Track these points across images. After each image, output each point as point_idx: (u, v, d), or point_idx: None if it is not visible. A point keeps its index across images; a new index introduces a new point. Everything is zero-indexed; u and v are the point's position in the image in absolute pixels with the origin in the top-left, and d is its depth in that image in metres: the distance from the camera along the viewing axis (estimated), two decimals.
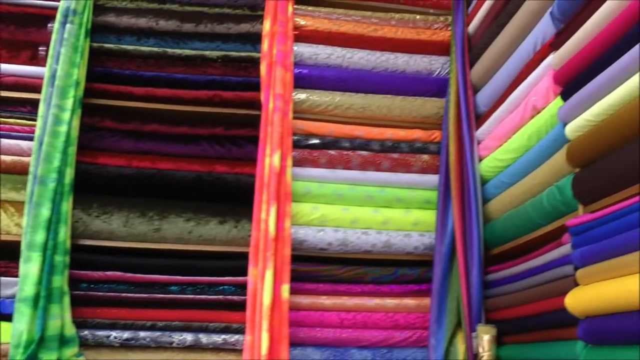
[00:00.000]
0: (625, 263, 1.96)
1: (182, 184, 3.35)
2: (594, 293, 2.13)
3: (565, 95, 2.43)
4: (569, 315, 2.30)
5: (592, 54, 2.27)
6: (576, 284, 2.29)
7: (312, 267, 3.35)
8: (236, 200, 3.39)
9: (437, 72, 3.71)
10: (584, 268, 2.21)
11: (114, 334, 3.13)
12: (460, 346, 3.16)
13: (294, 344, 3.22)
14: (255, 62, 3.49)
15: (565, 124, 2.43)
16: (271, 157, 3.22)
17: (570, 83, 2.41)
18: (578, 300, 2.23)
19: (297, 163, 3.39)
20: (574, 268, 2.30)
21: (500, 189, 3.15)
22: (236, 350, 3.20)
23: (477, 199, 3.23)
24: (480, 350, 3.05)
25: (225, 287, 3.25)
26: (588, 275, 2.18)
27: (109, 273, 3.14)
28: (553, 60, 2.57)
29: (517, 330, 2.93)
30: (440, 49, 3.74)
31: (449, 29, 3.75)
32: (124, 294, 3.16)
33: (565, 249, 2.43)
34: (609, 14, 2.18)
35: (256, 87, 3.44)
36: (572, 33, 2.42)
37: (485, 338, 3.06)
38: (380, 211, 3.46)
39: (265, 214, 3.15)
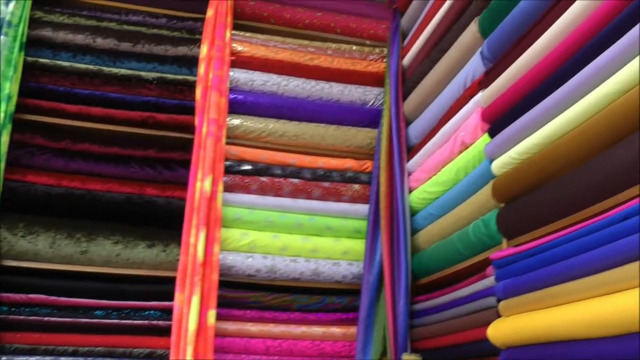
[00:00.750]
0: (546, 296, 2.02)
1: (111, 205, 3.28)
2: (515, 324, 2.18)
3: (492, 133, 2.51)
4: (491, 345, 2.34)
5: (518, 94, 2.35)
6: (499, 315, 2.34)
7: (239, 293, 3.32)
8: (166, 224, 3.35)
9: (371, 103, 3.77)
10: (506, 300, 2.26)
11: None
12: None
13: None
14: (191, 86, 3.48)
15: (491, 160, 2.50)
16: (202, 182, 3.20)
17: (497, 121, 2.49)
18: (500, 331, 2.27)
19: (228, 188, 3.37)
20: (497, 300, 2.36)
21: (429, 220, 3.21)
22: None
23: (405, 230, 3.28)
24: None
25: (151, 312, 3.19)
26: (510, 307, 2.23)
27: (32, 296, 3.04)
28: (481, 98, 2.65)
29: (442, 359, 2.97)
30: (375, 80, 3.82)
31: (384, 60, 3.83)
32: (46, 318, 3.06)
33: (489, 281, 2.49)
34: (535, 57, 2.27)
35: (191, 110, 3.43)
36: (500, 73, 2.50)
37: None
38: (310, 239, 3.47)
39: (195, 239, 3.12)
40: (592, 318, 1.79)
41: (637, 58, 1.73)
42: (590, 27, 1.96)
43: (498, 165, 2.43)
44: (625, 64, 1.78)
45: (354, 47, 3.85)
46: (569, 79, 2.03)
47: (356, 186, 3.59)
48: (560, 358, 1.94)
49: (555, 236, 2.03)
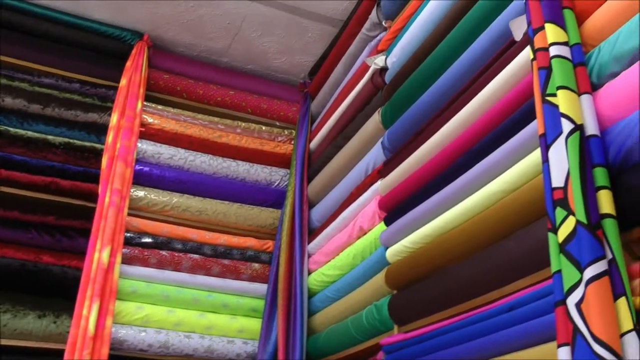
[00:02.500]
0: None
1: (4, 272, 3.15)
2: None
3: (388, 221, 2.61)
4: None
5: (413, 186, 2.47)
6: None
7: None
8: (60, 293, 3.25)
9: (276, 184, 3.84)
10: None
11: None
12: None
13: None
14: (98, 154, 3.47)
15: (386, 248, 2.59)
16: (101, 252, 3.15)
17: (393, 210, 2.60)
18: None
19: (126, 260, 3.33)
20: None
21: (326, 303, 3.25)
22: None
23: (302, 311, 3.30)
24: None
25: None
26: None
27: None
28: (380, 186, 2.76)
29: None
30: (282, 161, 3.91)
31: (292, 142, 3.93)
32: None
33: None
34: (431, 151, 2.41)
35: (95, 178, 3.40)
36: (398, 164, 2.62)
37: None
38: (206, 316, 3.44)
39: (87, 311, 3.04)
40: None
41: (525, 159, 1.87)
42: (482, 127, 2.11)
43: (392, 253, 2.53)
44: (514, 164, 1.92)
45: (264, 127, 3.95)
46: (461, 174, 2.17)
47: (256, 265, 3.61)
48: None
49: (443, 324, 2.11)
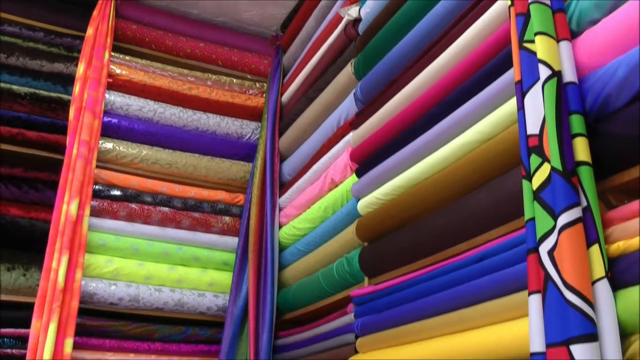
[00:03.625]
0: (401, 333, 2.10)
1: None
2: None
3: (359, 173, 2.59)
4: None
5: (385, 137, 2.45)
6: (356, 352, 2.40)
7: (100, 321, 3.21)
8: (28, 246, 3.21)
9: (247, 137, 3.80)
10: (363, 337, 2.33)
11: None
12: None
13: None
14: (65, 105, 3.39)
15: (357, 200, 2.58)
16: (69, 205, 3.09)
17: (365, 162, 2.58)
18: None
19: (95, 213, 3.28)
20: (355, 336, 2.41)
21: (296, 256, 3.25)
22: None
23: (273, 265, 3.30)
24: None
25: (5, 339, 3.02)
26: (366, 343, 2.30)
27: None
28: (352, 138, 2.74)
29: None
30: (253, 114, 3.86)
31: (264, 96, 3.88)
32: None
33: (348, 317, 2.55)
34: (403, 101, 2.38)
35: (62, 130, 3.33)
36: (370, 115, 2.60)
37: None
38: (176, 269, 3.42)
39: (57, 264, 3.00)
40: (443, 355, 1.88)
41: (499, 109, 1.85)
42: (455, 78, 2.09)
43: (363, 205, 2.52)
44: (488, 114, 1.91)
45: (235, 80, 3.89)
46: (434, 125, 2.15)
47: (227, 218, 3.59)
48: None
49: (413, 275, 2.12)
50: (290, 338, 3.16)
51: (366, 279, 2.51)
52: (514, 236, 1.70)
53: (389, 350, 2.16)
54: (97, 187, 3.33)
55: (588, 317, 1.29)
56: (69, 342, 2.95)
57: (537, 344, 1.37)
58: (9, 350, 3.00)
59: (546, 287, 1.36)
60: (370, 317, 2.30)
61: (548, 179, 1.42)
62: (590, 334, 1.28)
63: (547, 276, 1.36)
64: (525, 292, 1.50)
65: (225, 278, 3.50)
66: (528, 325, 1.42)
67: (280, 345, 3.25)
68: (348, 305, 2.58)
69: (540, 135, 1.47)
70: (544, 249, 1.39)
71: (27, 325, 2.94)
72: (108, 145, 3.43)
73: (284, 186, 3.54)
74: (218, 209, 3.59)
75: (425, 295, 2.03)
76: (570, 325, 1.29)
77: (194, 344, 3.42)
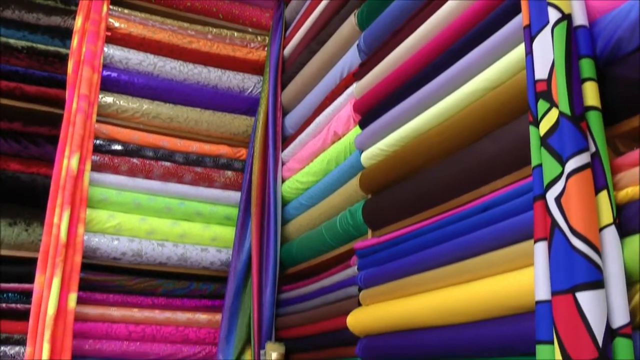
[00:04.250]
0: (404, 285, 2.09)
1: None
2: (373, 313, 2.24)
3: (363, 124, 2.56)
4: (351, 334, 2.39)
5: (389, 87, 2.41)
6: (359, 304, 2.39)
7: (103, 276, 3.22)
8: (29, 201, 3.20)
9: (249, 91, 3.76)
10: (366, 289, 2.32)
11: None
12: None
13: (78, 356, 3.07)
14: (63, 58, 3.34)
15: (361, 152, 2.55)
16: (69, 159, 3.07)
17: (368, 113, 2.54)
18: (358, 320, 2.33)
19: (96, 168, 3.26)
20: (358, 289, 2.41)
21: (299, 210, 3.23)
22: None
23: (276, 219, 3.29)
24: None
25: (10, 294, 3.03)
26: (369, 296, 2.29)
27: None
28: (355, 89, 2.69)
29: (305, 348, 3.01)
30: (255, 68, 3.81)
31: (265, 49, 3.82)
32: None
33: (352, 270, 2.54)
34: (408, 52, 2.33)
35: (61, 84, 3.29)
36: (374, 65, 2.55)
37: (273, 356, 3.10)
38: (179, 224, 3.41)
39: (58, 219, 2.99)
40: (446, 306, 1.86)
41: (506, 56, 1.81)
42: (461, 26, 2.04)
43: (367, 157, 2.48)
44: (493, 63, 1.87)
45: (236, 34, 3.83)
46: (439, 75, 2.10)
47: (229, 173, 3.57)
48: (416, 345, 2.01)
49: (417, 227, 2.09)
50: (294, 292, 3.16)
51: (369, 231, 2.49)
52: (519, 185, 1.68)
53: (393, 302, 2.15)
54: (97, 141, 3.30)
55: (594, 264, 1.27)
56: (72, 297, 2.96)
57: (543, 292, 1.35)
58: (13, 305, 3.02)
59: (552, 234, 1.34)
60: (374, 270, 2.29)
61: (556, 125, 1.38)
62: (597, 281, 1.26)
63: (554, 223, 1.34)
64: (531, 242, 1.48)
65: (228, 233, 3.49)
66: (533, 274, 1.40)
67: (283, 299, 3.25)
68: (351, 258, 2.58)
69: (549, 80, 1.43)
70: (551, 195, 1.36)
71: (31, 280, 2.95)
72: (108, 99, 3.39)
73: (287, 140, 3.50)
74: (220, 164, 3.57)
75: (429, 246, 2.01)
76: (576, 272, 1.27)
77: (198, 298, 3.43)
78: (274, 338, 3.20)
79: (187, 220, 3.46)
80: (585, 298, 1.25)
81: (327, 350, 2.77)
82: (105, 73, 3.40)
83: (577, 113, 1.36)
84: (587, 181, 1.32)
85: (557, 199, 1.34)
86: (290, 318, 3.14)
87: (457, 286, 1.85)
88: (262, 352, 3.14)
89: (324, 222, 2.92)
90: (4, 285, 3.02)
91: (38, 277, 2.92)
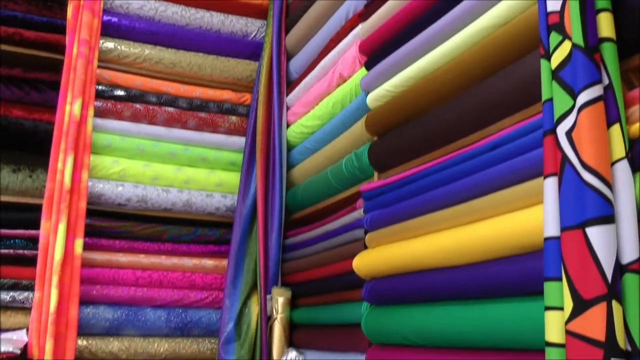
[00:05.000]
0: (411, 226, 2.07)
1: None
2: (379, 255, 2.23)
3: (369, 65, 2.50)
4: (357, 277, 2.39)
5: (395, 27, 2.34)
6: (365, 247, 2.38)
7: (108, 222, 3.23)
8: (32, 148, 3.20)
9: (252, 35, 3.70)
10: (372, 232, 2.30)
11: None
12: (254, 308, 3.20)
13: (86, 302, 3.10)
14: (62, 3, 3.29)
15: (367, 93, 2.51)
16: (72, 105, 3.05)
17: (374, 54, 2.48)
18: (364, 263, 2.32)
19: (99, 114, 3.23)
20: (364, 232, 2.39)
21: (305, 155, 3.21)
22: (25, 308, 3.00)
23: (281, 164, 3.28)
24: (274, 312, 3.11)
25: (16, 240, 3.04)
26: (376, 238, 2.28)
27: None
28: (360, 30, 2.63)
29: (311, 292, 3.02)
30: (258, 12, 3.74)
31: None
32: None
33: (358, 213, 2.53)
34: None
35: (61, 29, 3.24)
36: (380, 5, 2.48)
37: (279, 300, 3.13)
38: (183, 170, 3.40)
39: (62, 164, 2.98)
40: (454, 247, 1.85)
41: None
42: None
43: (373, 98, 2.44)
44: None
45: None
46: (446, 13, 2.04)
47: (233, 118, 3.54)
48: (423, 286, 2.00)
49: (423, 167, 2.06)
50: (299, 237, 3.16)
51: (376, 173, 2.46)
52: (528, 122, 1.64)
53: (399, 244, 2.13)
54: (100, 87, 3.27)
55: (606, 199, 1.24)
56: (79, 243, 2.97)
57: (552, 229, 1.33)
58: (20, 251, 3.03)
59: (563, 169, 1.31)
60: (380, 212, 2.27)
61: (568, 57, 1.34)
62: (607, 216, 1.24)
63: (564, 158, 1.31)
64: (540, 179, 1.45)
65: (233, 178, 3.47)
66: (542, 212, 1.38)
67: (289, 244, 3.26)
68: (357, 201, 2.56)
69: (562, 11, 1.39)
70: (561, 129, 1.33)
71: (37, 226, 2.96)
72: (109, 44, 3.34)
73: (292, 84, 3.45)
74: (224, 109, 3.53)
75: (436, 187, 1.98)
76: (586, 207, 1.25)
77: (204, 244, 3.44)
78: (280, 283, 3.21)
79: (192, 166, 3.44)
80: (595, 233, 1.23)
81: (334, 294, 2.77)
82: (106, 18, 3.34)
83: (591, 44, 1.31)
84: (599, 114, 1.28)
85: (568, 133, 1.31)
86: (296, 263, 3.15)
87: (465, 226, 1.83)
88: (268, 297, 3.15)
89: (330, 166, 2.90)
90: (10, 231, 3.02)
91: (44, 223, 2.94)
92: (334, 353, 2.70)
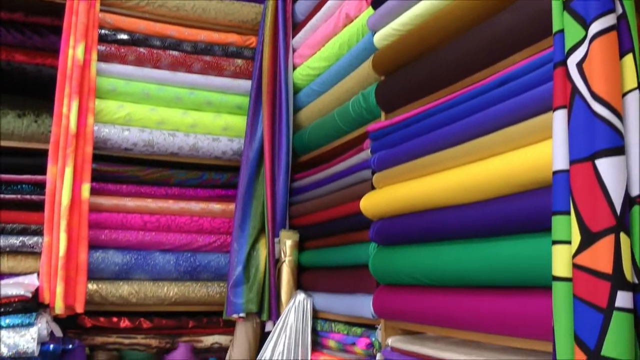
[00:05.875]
0: (419, 165, 2.05)
1: None
2: (386, 195, 2.22)
3: (376, 4, 2.44)
4: (364, 218, 2.38)
5: None
6: (373, 188, 2.37)
7: (115, 167, 3.22)
8: (37, 93, 3.17)
9: None
10: (380, 172, 2.29)
11: None
12: (262, 251, 3.20)
13: (95, 246, 3.12)
14: None
15: (374, 33, 2.46)
16: (75, 49, 3.02)
17: None
18: (372, 203, 2.31)
19: (103, 58, 3.20)
20: (372, 172, 2.38)
21: (312, 97, 3.18)
22: (35, 253, 3.02)
23: (288, 107, 3.25)
24: (282, 255, 3.13)
25: (24, 185, 3.04)
26: (383, 178, 2.26)
27: None
28: None
29: (318, 235, 3.03)
30: None
31: None
32: None
33: (365, 154, 2.51)
34: None
35: None
36: None
37: (287, 243, 3.14)
38: (189, 114, 3.37)
39: (67, 109, 2.97)
40: (461, 185, 1.83)
41: None
42: None
43: (380, 38, 2.39)
44: None
45: None
46: None
47: (239, 61, 3.49)
48: (431, 225, 1.99)
49: (431, 105, 2.03)
50: (307, 179, 3.15)
51: (383, 114, 2.43)
52: (538, 57, 1.60)
53: (407, 183, 2.12)
54: (103, 31, 3.22)
55: (616, 130, 1.22)
56: (86, 187, 2.98)
57: (560, 162, 1.31)
58: (28, 196, 3.03)
59: (573, 101, 1.28)
60: (387, 152, 2.25)
61: None
62: (617, 147, 1.21)
63: (575, 89, 1.28)
64: (549, 114, 1.43)
65: (239, 122, 3.45)
66: (551, 146, 1.35)
67: (296, 187, 3.25)
68: (364, 142, 2.54)
69: None
70: (572, 61, 1.29)
71: (44, 171, 2.96)
72: None
73: (297, 26, 3.39)
74: (230, 52, 3.48)
75: (444, 125, 1.96)
76: (596, 138, 1.23)
77: (211, 188, 3.44)
78: (287, 226, 3.22)
79: (198, 109, 3.41)
80: (604, 165, 1.21)
81: (341, 235, 2.78)
82: None
83: None
84: (611, 44, 1.25)
85: (579, 65, 1.28)
86: (303, 205, 3.15)
87: (473, 164, 1.81)
88: (276, 240, 3.16)
89: (337, 107, 2.87)
90: (17, 176, 3.02)
91: (50, 168, 2.94)
92: (342, 295, 2.72)
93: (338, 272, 2.78)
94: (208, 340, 3.34)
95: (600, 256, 1.20)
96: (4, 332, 2.70)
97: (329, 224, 2.87)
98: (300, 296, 2.97)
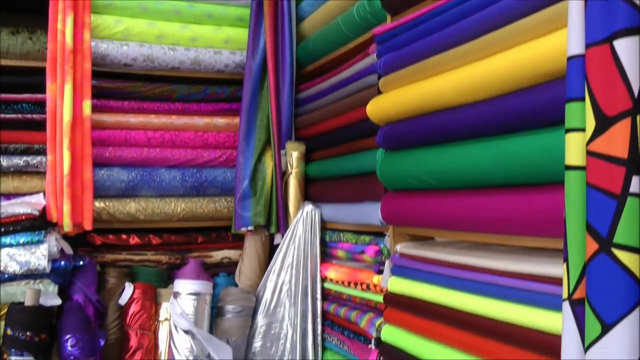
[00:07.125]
0: (426, 67, 1.99)
1: None
2: (393, 99, 2.16)
3: None
4: (371, 124, 2.34)
5: None
6: (379, 93, 2.31)
7: (116, 83, 3.16)
8: (30, 8, 3.07)
9: None
10: (386, 75, 2.23)
11: None
12: (268, 164, 3.17)
13: (99, 164, 3.09)
14: None
15: None
16: None
17: None
18: (378, 108, 2.26)
19: None
20: (378, 77, 2.32)
21: (314, 7, 3.10)
22: (40, 172, 2.99)
23: (290, 16, 3.17)
24: (289, 167, 3.10)
25: (24, 105, 2.99)
26: (390, 82, 2.20)
27: None
28: None
29: (325, 145, 3.00)
30: None
31: None
32: None
33: (371, 59, 2.45)
34: None
35: None
36: None
37: (294, 155, 3.11)
38: (189, 27, 3.27)
39: (62, 24, 2.89)
40: (471, 82, 1.78)
41: None
42: None
43: None
44: None
45: None
46: None
47: None
48: (440, 126, 1.95)
49: (439, 3, 1.95)
50: (312, 89, 3.10)
51: (389, 17, 2.35)
52: None
53: (414, 85, 2.06)
54: None
55: (637, 8, 1.15)
56: (87, 104, 2.94)
57: (576, 46, 1.25)
58: (29, 116, 2.98)
59: None
60: (394, 54, 2.17)
61: None
62: (638, 27, 1.15)
63: None
64: (562, 3, 1.36)
65: (241, 34, 3.35)
66: (564, 37, 1.29)
67: (302, 98, 3.21)
68: (370, 47, 2.47)
69: None
70: None
71: (43, 90, 2.91)
72: None
73: None
74: None
75: (452, 23, 1.88)
76: (617, 18, 1.16)
77: (214, 102, 3.38)
78: (293, 137, 3.18)
79: (198, 23, 3.31)
80: (623, 45, 1.15)
81: (348, 143, 2.74)
82: None
83: None
84: None
85: None
86: (309, 116, 3.11)
87: (482, 60, 1.75)
88: (282, 152, 3.13)
89: (340, 14, 2.78)
90: (16, 95, 2.97)
91: (49, 86, 2.89)
92: (350, 204, 2.70)
93: (346, 181, 2.76)
94: (218, 255, 3.36)
95: (615, 141, 1.16)
96: (14, 250, 2.71)
97: (336, 132, 2.83)
98: (308, 207, 2.96)
